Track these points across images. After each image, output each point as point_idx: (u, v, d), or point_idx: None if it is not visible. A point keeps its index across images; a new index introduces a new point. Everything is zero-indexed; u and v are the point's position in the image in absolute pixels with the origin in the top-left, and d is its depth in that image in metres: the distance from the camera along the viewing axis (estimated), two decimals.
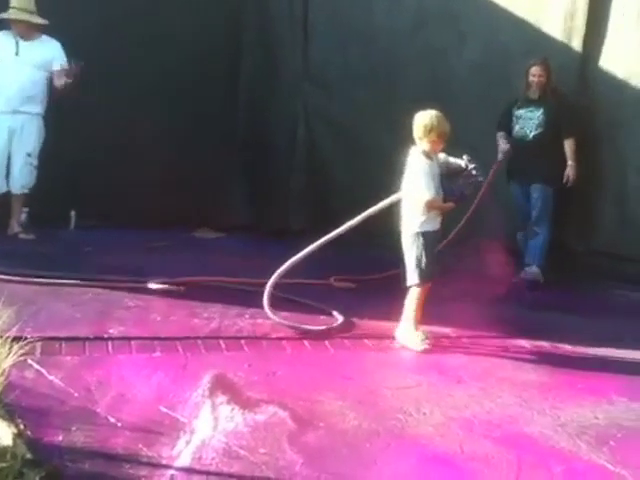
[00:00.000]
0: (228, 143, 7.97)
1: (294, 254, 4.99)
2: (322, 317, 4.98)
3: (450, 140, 4.64)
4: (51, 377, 3.63)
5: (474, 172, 4.60)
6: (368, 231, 5.26)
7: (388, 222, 4.87)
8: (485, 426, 3.56)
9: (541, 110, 6.48)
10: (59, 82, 6.82)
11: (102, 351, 4.10)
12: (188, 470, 2.97)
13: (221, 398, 3.58)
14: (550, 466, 3.22)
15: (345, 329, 4.82)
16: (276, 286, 4.94)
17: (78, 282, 5.20)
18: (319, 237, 5.04)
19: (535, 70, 6.44)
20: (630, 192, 6.64)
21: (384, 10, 7.62)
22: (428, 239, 4.60)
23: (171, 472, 2.93)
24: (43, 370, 3.68)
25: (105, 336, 4.26)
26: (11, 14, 6.75)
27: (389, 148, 5.93)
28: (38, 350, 3.84)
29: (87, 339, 4.18)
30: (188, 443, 3.15)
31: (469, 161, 4.62)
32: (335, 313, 5.01)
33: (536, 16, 6.87)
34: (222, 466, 3.00)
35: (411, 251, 4.61)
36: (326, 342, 4.57)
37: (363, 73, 7.66)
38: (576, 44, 6.72)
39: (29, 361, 3.61)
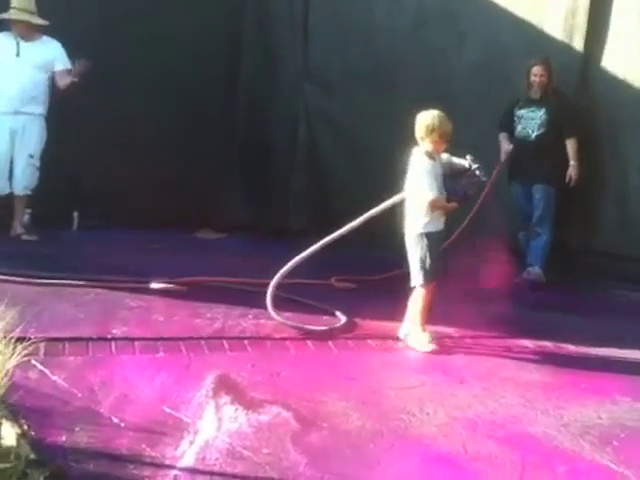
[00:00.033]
0: (228, 143, 7.97)
1: (295, 254, 4.99)
2: (325, 317, 4.98)
3: (450, 140, 4.63)
4: (54, 377, 3.63)
5: (477, 172, 4.60)
6: (370, 232, 5.25)
7: (390, 223, 4.87)
8: (488, 426, 3.56)
9: (543, 110, 6.49)
10: (62, 82, 6.81)
11: (105, 351, 4.09)
12: (192, 470, 2.96)
13: (225, 398, 3.57)
14: (554, 466, 3.22)
15: (348, 329, 4.81)
16: (277, 286, 4.93)
17: (81, 283, 5.19)
18: (320, 237, 5.04)
19: (537, 70, 6.44)
20: (631, 192, 6.66)
21: (384, 10, 7.62)
22: (432, 240, 4.59)
23: (175, 472, 2.93)
24: (47, 370, 3.67)
25: (108, 336, 4.25)
26: (11, 14, 6.73)
27: (389, 148, 5.95)
28: (41, 350, 3.83)
29: (90, 339, 4.17)
30: (192, 443, 3.14)
31: (472, 161, 4.61)
32: (338, 313, 5.00)
33: (537, 16, 6.87)
34: (226, 466, 3.00)
35: (415, 252, 4.60)
36: (329, 342, 4.57)
37: (363, 73, 7.65)
38: (577, 44, 6.72)
39: (33, 362, 3.60)
